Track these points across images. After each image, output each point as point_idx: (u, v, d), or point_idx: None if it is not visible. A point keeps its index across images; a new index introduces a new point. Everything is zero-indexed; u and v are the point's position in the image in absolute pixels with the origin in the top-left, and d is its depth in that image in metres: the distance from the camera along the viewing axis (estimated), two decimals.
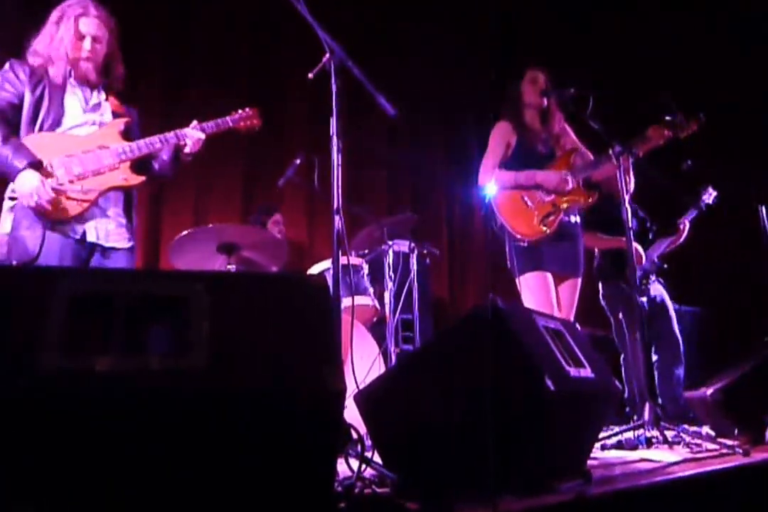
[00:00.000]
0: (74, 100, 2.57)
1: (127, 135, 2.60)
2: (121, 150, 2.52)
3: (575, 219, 3.32)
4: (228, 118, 2.79)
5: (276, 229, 4.40)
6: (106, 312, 1.18)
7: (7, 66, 2.52)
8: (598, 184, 3.55)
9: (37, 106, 2.48)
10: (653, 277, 4.14)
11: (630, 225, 2.97)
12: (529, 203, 3.22)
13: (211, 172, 4.79)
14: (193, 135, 2.68)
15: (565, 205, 3.23)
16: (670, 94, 3.15)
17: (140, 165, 2.61)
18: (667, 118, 3.07)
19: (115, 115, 2.66)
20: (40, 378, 1.09)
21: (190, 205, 4.66)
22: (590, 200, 3.27)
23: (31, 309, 1.16)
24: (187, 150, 2.70)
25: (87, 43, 2.55)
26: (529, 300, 3.07)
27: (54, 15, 2.58)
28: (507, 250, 3.21)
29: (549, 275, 3.14)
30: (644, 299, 4.00)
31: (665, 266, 4.15)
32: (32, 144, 2.42)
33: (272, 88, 5.08)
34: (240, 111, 2.83)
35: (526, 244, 3.15)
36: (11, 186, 2.44)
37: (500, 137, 3.37)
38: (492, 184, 3.26)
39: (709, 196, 4.23)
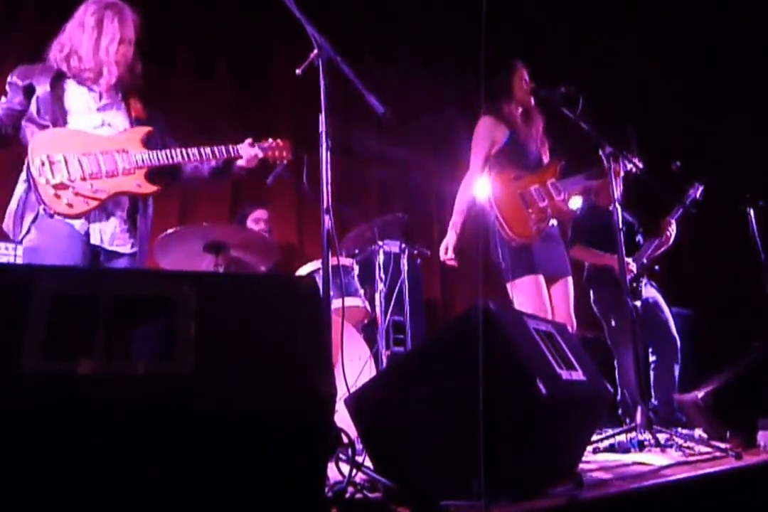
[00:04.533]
0: (80, 99, 2.56)
1: (147, 143, 2.60)
2: (140, 157, 2.52)
3: (553, 222, 3.31)
4: (257, 146, 2.75)
5: (257, 227, 4.32)
6: (90, 313, 1.16)
7: (10, 76, 2.54)
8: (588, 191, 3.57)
9: (38, 104, 2.48)
10: (645, 280, 4.14)
11: (620, 226, 2.97)
12: (527, 205, 3.17)
13: None
14: (248, 151, 2.70)
15: (552, 212, 3.22)
16: (634, 128, 3.14)
17: (158, 174, 2.60)
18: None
19: (137, 120, 2.65)
20: (22, 380, 1.07)
21: (176, 203, 4.63)
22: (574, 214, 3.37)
23: (13, 310, 1.14)
24: (241, 163, 2.72)
25: (124, 47, 2.59)
26: (523, 304, 3.03)
27: (89, 15, 2.57)
28: (500, 251, 3.16)
29: (542, 278, 3.12)
30: (638, 303, 3.99)
31: (656, 268, 4.15)
32: (50, 137, 2.44)
33: (260, 84, 5.06)
34: (271, 140, 2.80)
35: (514, 245, 3.12)
36: (24, 174, 2.46)
37: (486, 134, 3.28)
38: (482, 186, 3.21)
39: (696, 190, 4.16)
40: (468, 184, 3.29)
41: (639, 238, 4.30)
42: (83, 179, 2.42)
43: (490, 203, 3.13)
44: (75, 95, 2.56)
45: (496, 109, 3.30)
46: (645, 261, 4.12)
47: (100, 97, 2.61)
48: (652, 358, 4.09)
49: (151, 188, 2.55)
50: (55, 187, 2.38)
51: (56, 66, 2.55)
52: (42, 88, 2.50)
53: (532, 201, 3.18)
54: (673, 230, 4.16)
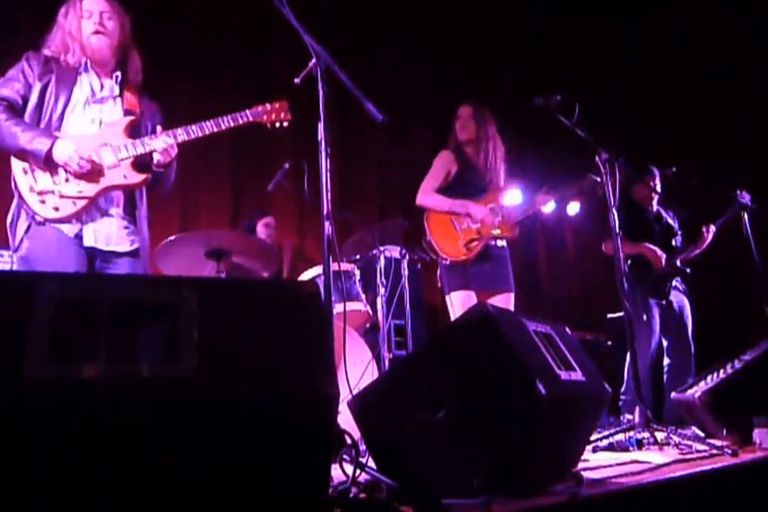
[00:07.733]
0: (81, 93, 2.49)
1: (134, 132, 2.50)
2: (123, 147, 2.43)
3: (502, 243, 3.56)
4: (248, 112, 2.55)
5: (265, 232, 4.38)
6: (93, 318, 1.16)
7: (23, 58, 2.47)
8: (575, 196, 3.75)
9: (42, 98, 2.42)
10: (676, 282, 4.21)
11: (617, 230, 3.04)
12: (457, 228, 3.49)
13: (199, 176, 4.79)
14: (159, 143, 2.44)
15: (492, 234, 3.48)
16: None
17: (144, 162, 2.49)
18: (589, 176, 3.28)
19: (127, 112, 2.55)
20: (26, 385, 1.07)
21: (176, 209, 4.65)
22: (514, 234, 3.56)
23: (15, 316, 1.13)
24: (156, 161, 2.47)
25: (95, 17, 2.49)
26: (456, 316, 3.17)
27: (62, 10, 2.54)
28: (439, 268, 3.50)
29: (473, 294, 3.37)
30: (663, 301, 4.17)
31: (687, 270, 4.21)
32: None
33: (259, 91, 5.09)
34: (267, 104, 2.59)
35: (448, 263, 3.43)
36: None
37: (442, 165, 3.64)
38: (427, 205, 3.56)
39: (744, 197, 4.17)
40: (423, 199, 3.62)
41: (678, 238, 4.37)
42: (67, 181, 2.35)
43: (426, 229, 3.49)
44: (76, 90, 2.47)
45: (458, 147, 3.65)
46: (679, 263, 4.18)
47: (95, 91, 2.52)
48: (666, 361, 4.17)
49: (137, 178, 2.44)
50: (40, 193, 2.32)
51: (56, 57, 2.48)
52: (48, 81, 2.42)
53: (463, 224, 3.48)
54: (710, 235, 4.28)
